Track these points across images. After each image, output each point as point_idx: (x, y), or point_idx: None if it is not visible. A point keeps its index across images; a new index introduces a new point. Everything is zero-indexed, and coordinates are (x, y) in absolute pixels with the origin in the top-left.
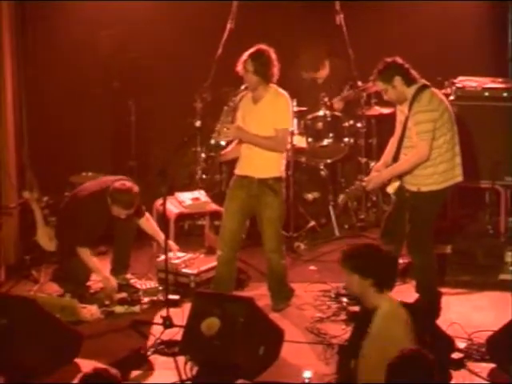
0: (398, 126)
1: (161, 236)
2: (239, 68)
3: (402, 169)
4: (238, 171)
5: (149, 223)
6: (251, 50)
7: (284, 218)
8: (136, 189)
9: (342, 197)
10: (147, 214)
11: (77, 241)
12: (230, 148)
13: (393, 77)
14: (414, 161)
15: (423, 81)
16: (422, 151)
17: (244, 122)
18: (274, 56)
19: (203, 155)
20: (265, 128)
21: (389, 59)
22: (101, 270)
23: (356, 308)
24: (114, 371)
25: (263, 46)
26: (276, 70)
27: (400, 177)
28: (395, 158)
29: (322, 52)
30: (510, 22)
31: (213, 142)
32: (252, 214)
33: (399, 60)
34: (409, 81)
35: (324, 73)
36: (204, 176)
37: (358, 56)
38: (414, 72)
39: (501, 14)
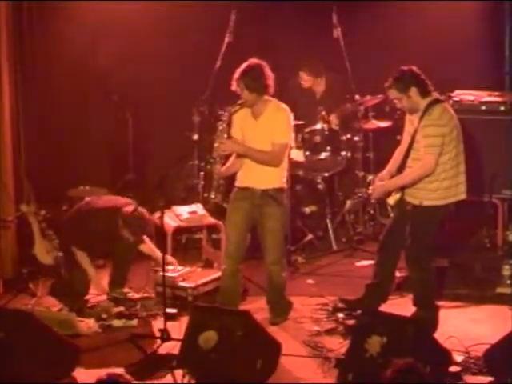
0: (406, 136)
1: (158, 254)
2: (234, 86)
3: (406, 181)
4: (238, 183)
5: (146, 246)
6: (242, 67)
7: (287, 230)
8: (147, 216)
9: (348, 203)
10: (144, 237)
11: (78, 243)
12: (228, 163)
13: (409, 87)
14: (418, 174)
15: (436, 94)
16: (428, 165)
17: (244, 137)
18: (267, 68)
19: (202, 173)
20: (265, 143)
21: (405, 68)
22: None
23: (353, 322)
24: (127, 377)
25: (254, 60)
26: (271, 82)
27: (402, 189)
28: (400, 169)
29: (319, 65)
30: (507, 36)
31: (215, 155)
32: (253, 224)
33: (416, 69)
34: (424, 92)
35: (321, 88)
36: (206, 195)
37: (355, 69)
38: (429, 83)
39: (497, 28)
